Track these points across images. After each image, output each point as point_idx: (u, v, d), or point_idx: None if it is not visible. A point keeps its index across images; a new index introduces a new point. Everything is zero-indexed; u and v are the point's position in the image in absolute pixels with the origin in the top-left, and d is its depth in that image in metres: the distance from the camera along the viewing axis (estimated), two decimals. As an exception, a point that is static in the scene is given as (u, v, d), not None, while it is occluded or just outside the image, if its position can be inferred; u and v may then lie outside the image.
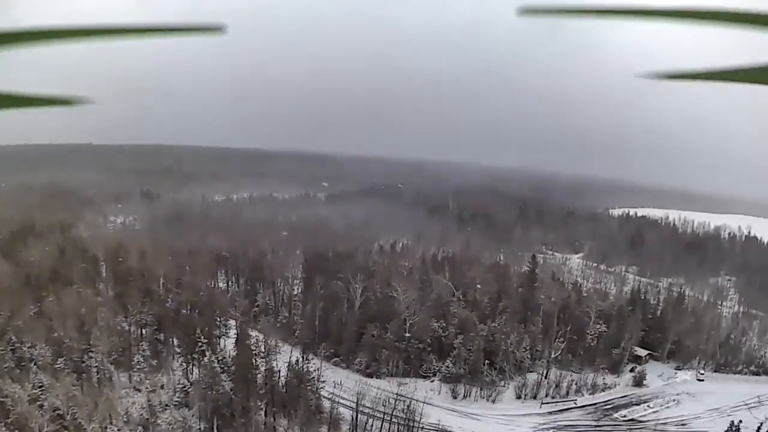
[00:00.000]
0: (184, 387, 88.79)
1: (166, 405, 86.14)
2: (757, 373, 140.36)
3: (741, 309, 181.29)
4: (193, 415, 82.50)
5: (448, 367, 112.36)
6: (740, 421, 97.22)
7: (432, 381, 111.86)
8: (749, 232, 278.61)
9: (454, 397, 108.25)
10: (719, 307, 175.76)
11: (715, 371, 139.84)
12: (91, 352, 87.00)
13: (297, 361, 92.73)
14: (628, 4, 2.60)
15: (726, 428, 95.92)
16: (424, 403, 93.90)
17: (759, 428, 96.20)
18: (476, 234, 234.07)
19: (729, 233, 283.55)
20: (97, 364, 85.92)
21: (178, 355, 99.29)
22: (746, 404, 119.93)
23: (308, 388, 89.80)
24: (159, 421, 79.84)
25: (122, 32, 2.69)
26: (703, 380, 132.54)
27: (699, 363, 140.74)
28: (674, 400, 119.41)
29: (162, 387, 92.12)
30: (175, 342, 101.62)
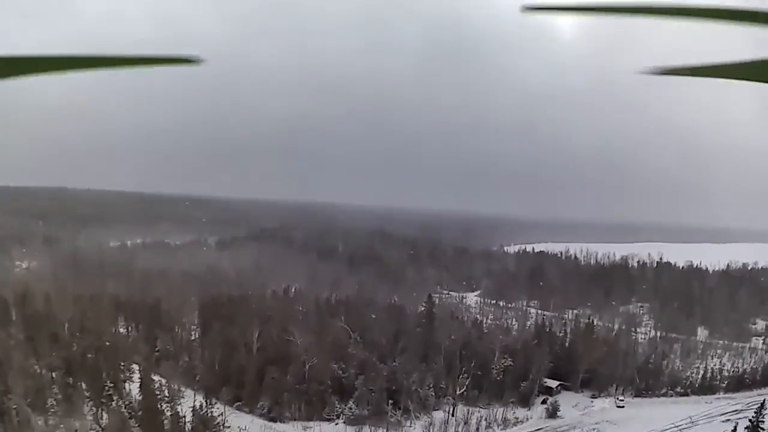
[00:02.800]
0: None
1: None
2: (684, 394, 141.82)
3: (658, 334, 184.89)
4: None
5: (351, 408, 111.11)
6: None
7: (336, 424, 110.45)
8: (661, 258, 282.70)
9: None
10: (633, 333, 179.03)
11: (636, 396, 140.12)
12: (9, 394, 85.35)
13: (201, 406, 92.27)
14: (630, 3, 2.55)
15: None
16: None
17: None
18: (369, 276, 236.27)
19: (638, 261, 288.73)
20: (15, 407, 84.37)
21: (87, 400, 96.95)
22: (677, 426, 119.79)
23: None
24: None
25: (95, 62, 2.62)
26: (623, 406, 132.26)
27: (617, 390, 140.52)
28: (594, 430, 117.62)
29: None
30: (84, 386, 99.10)
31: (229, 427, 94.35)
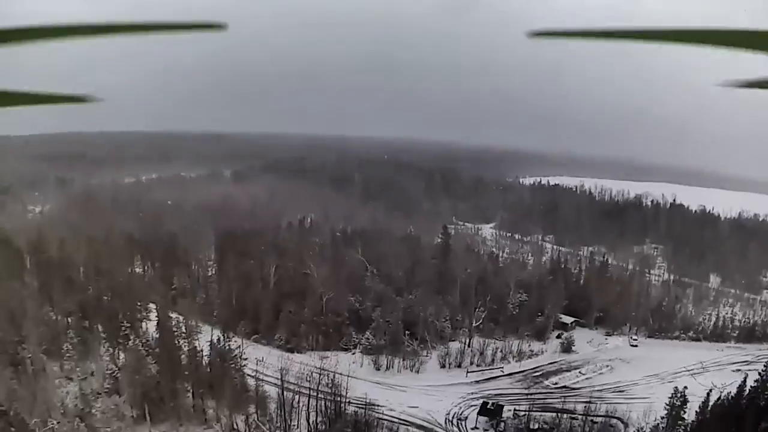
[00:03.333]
0: (113, 373, 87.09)
1: (98, 393, 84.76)
2: (696, 339, 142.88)
3: (672, 277, 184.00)
4: (124, 402, 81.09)
5: (368, 339, 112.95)
6: (685, 388, 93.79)
7: (353, 354, 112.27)
8: (674, 200, 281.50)
9: (377, 369, 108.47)
10: (647, 275, 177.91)
11: (650, 337, 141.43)
12: (23, 344, 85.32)
13: (218, 340, 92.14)
14: (632, 27, 2.62)
15: (670, 395, 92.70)
16: (348, 376, 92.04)
17: (708, 395, 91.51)
18: (384, 207, 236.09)
19: (652, 201, 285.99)
20: (30, 356, 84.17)
21: (104, 341, 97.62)
22: (688, 370, 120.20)
23: (232, 366, 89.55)
24: (93, 411, 78.14)
25: (123, 29, 2.73)
26: (636, 346, 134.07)
27: (630, 329, 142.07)
28: (607, 366, 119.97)
29: (92, 374, 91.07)
30: (100, 328, 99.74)
31: (246, 359, 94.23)
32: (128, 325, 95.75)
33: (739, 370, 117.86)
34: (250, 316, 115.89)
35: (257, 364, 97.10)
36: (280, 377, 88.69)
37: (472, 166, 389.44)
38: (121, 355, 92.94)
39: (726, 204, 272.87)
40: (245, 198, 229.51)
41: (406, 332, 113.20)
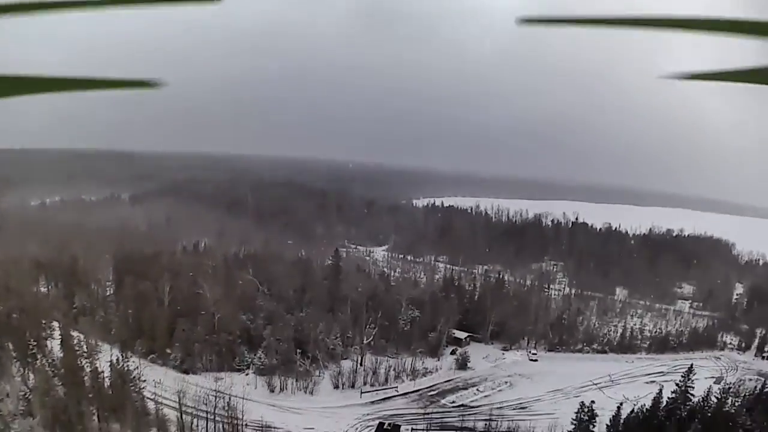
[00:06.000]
0: (25, 394, 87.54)
1: (14, 414, 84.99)
2: (603, 351, 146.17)
3: (573, 291, 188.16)
4: (38, 424, 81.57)
5: (260, 358, 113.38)
6: (592, 402, 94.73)
7: (246, 374, 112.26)
8: (576, 218, 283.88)
9: (272, 391, 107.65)
10: (545, 290, 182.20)
11: (550, 350, 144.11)
12: None
13: (117, 359, 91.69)
14: (626, 15, 2.62)
15: (576, 410, 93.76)
16: (243, 398, 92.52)
17: (619, 408, 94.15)
18: (277, 229, 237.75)
19: (552, 220, 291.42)
20: None
21: (15, 360, 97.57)
22: (595, 384, 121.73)
23: (132, 388, 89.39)
24: (12, 433, 79.00)
25: (114, 1, 2.71)
26: (536, 360, 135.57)
27: (529, 343, 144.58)
28: (506, 383, 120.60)
29: (8, 395, 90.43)
30: (11, 346, 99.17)
31: (145, 380, 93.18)
32: (35, 343, 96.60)
33: (653, 381, 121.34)
34: (147, 334, 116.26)
35: (155, 386, 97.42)
36: (178, 400, 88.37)
37: (365, 186, 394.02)
38: (31, 376, 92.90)
39: (634, 220, 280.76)
40: (142, 221, 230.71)
41: (298, 351, 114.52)
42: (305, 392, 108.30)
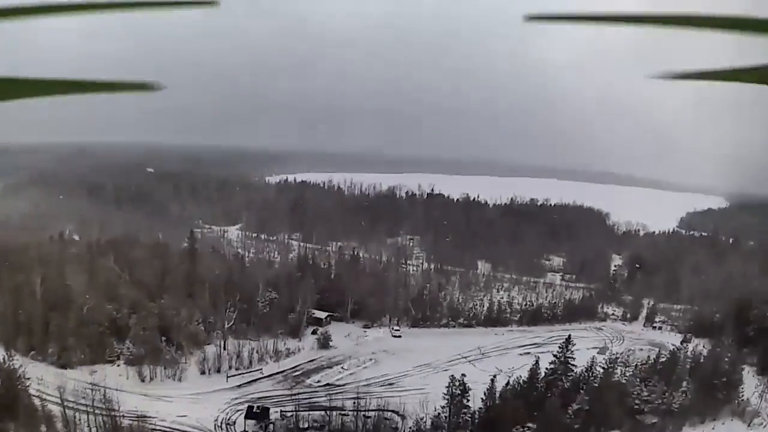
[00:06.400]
0: None
1: None
2: (469, 325, 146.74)
3: (432, 266, 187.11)
4: None
5: (129, 348, 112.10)
6: (463, 375, 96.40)
7: (118, 366, 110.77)
8: (432, 190, 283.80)
9: (142, 380, 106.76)
10: (403, 265, 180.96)
11: (414, 326, 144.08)
12: None
13: (3, 359, 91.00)
14: (632, 12, 2.67)
15: (447, 384, 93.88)
16: (117, 390, 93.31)
17: (493, 381, 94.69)
18: (134, 214, 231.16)
19: (407, 192, 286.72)
20: None
21: None
22: (464, 357, 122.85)
23: (19, 387, 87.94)
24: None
25: (114, 6, 2.75)
26: (399, 336, 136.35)
27: (391, 320, 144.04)
28: (371, 360, 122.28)
29: None
30: None
31: (29, 378, 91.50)
32: None
33: (528, 353, 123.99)
34: (24, 330, 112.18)
35: (38, 383, 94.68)
36: (59, 395, 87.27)
37: (220, 168, 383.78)
38: None
39: (496, 191, 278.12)
40: (14, 213, 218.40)
41: (163, 339, 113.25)
42: (174, 379, 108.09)
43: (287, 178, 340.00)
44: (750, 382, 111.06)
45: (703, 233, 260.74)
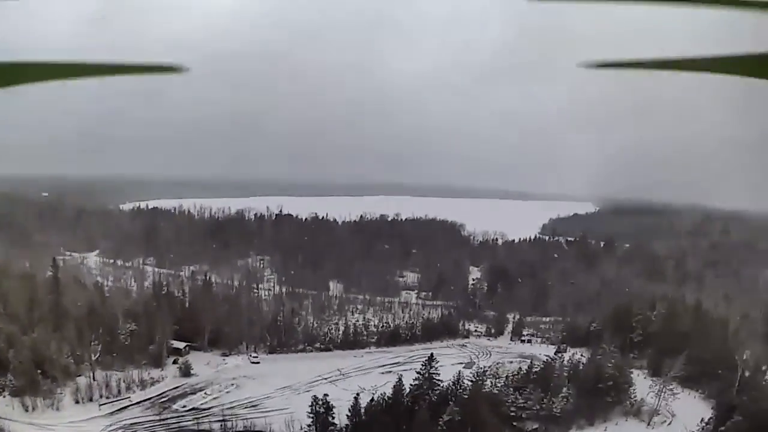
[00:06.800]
0: None
1: None
2: (327, 349, 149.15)
3: (284, 289, 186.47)
4: None
5: (11, 380, 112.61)
6: (326, 395, 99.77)
7: (4, 396, 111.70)
8: (280, 211, 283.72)
9: (26, 410, 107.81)
10: (256, 290, 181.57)
11: (271, 353, 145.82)
12: None
13: None
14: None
15: (310, 403, 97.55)
16: (8, 420, 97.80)
17: (357, 398, 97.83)
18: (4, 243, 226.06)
19: (255, 214, 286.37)
20: None
21: None
22: (325, 378, 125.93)
23: None
24: None
25: (79, 70, 2.67)
26: (258, 362, 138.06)
27: (248, 347, 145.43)
28: (233, 385, 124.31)
29: None
30: None
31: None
32: None
33: (390, 371, 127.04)
34: None
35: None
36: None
37: (80, 196, 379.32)
38: None
39: (346, 209, 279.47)
40: None
41: (39, 371, 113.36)
42: (53, 409, 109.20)
43: (140, 205, 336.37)
44: (643, 383, 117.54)
45: (569, 238, 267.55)
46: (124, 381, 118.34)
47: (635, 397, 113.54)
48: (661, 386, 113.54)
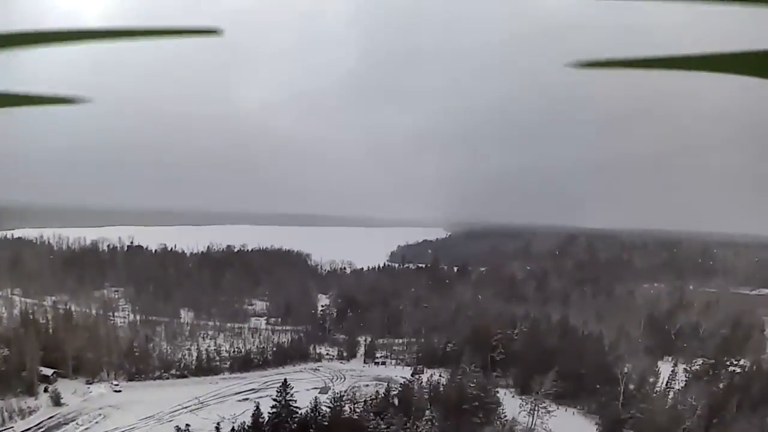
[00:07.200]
0: None
1: None
2: (183, 376, 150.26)
3: (138, 318, 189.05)
4: None
5: None
6: (188, 425, 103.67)
7: None
8: (132, 242, 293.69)
9: None
10: (112, 318, 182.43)
11: (131, 380, 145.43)
12: None
13: None
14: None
15: None
16: None
17: (218, 428, 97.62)
18: None
19: (109, 245, 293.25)
20: None
21: None
22: (185, 407, 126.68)
23: None
24: None
25: (118, 34, 2.53)
26: (120, 391, 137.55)
27: (109, 375, 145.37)
28: (100, 415, 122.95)
29: None
30: None
31: None
32: None
33: (246, 399, 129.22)
34: None
35: None
36: None
37: None
38: None
39: (193, 240, 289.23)
40: None
41: None
42: None
43: (6, 235, 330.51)
44: (512, 402, 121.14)
45: (420, 265, 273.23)
46: (6, 410, 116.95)
47: (505, 417, 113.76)
48: (533, 404, 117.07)
